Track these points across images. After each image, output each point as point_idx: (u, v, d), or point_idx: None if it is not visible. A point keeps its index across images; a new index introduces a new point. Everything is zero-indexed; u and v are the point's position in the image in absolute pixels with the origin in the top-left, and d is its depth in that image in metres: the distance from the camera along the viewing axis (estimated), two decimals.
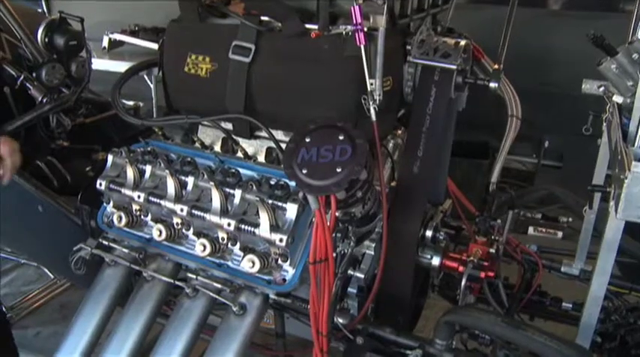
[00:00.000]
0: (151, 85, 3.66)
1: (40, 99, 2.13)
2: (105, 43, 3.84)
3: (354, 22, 1.49)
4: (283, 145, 1.66)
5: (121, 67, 3.55)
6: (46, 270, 3.10)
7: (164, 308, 1.82)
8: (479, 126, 3.09)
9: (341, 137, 1.41)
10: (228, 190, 1.64)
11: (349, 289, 1.74)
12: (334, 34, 1.59)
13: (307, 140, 1.43)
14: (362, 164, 1.38)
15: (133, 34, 3.81)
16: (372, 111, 1.54)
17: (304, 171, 1.40)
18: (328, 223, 1.43)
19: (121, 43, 3.86)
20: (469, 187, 2.29)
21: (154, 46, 3.43)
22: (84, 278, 1.86)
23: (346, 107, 1.60)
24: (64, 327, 2.84)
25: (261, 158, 1.81)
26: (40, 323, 2.91)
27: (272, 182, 1.66)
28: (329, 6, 1.59)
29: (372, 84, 1.53)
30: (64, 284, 3.22)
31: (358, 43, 1.50)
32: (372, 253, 1.72)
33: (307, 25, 1.63)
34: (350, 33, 1.54)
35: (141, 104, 2.87)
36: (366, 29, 1.51)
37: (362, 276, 1.70)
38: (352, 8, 1.49)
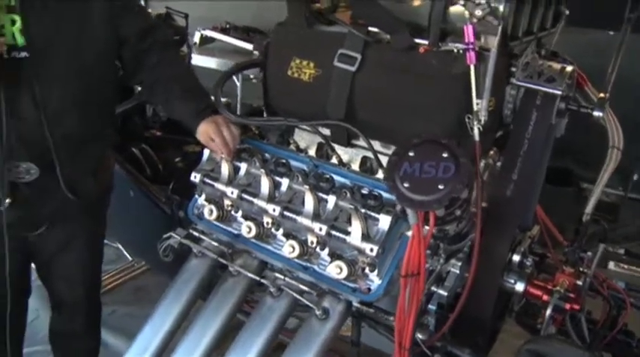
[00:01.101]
0: (237, 83, 3.73)
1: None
2: (196, 38, 3.94)
3: (466, 40, 1.49)
4: (380, 157, 1.72)
5: (210, 63, 3.63)
6: (126, 252, 3.19)
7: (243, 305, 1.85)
8: (563, 152, 3.00)
9: (445, 154, 1.42)
10: (321, 194, 1.65)
11: (429, 306, 1.73)
12: (444, 50, 1.58)
13: (411, 154, 1.45)
14: (464, 183, 1.38)
15: (223, 31, 3.88)
16: (476, 131, 1.53)
17: (406, 185, 1.43)
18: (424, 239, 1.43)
19: (212, 39, 3.95)
20: (551, 214, 2.23)
21: (245, 44, 3.49)
22: (164, 265, 1.91)
23: (449, 124, 1.59)
24: (138, 309, 2.93)
25: (355, 166, 1.82)
26: (115, 302, 2.99)
27: (364, 191, 1.67)
28: (441, 22, 1.59)
29: (478, 104, 1.53)
30: (140, 268, 3.31)
31: (468, 62, 1.50)
32: (457, 271, 1.70)
33: (416, 40, 1.63)
34: (461, 51, 1.53)
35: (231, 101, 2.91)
36: (477, 49, 1.51)
37: (445, 294, 1.68)
38: (465, 27, 1.49)
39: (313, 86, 1.75)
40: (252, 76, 4.81)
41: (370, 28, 1.70)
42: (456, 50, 1.55)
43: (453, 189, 1.37)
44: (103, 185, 1.93)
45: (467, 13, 1.51)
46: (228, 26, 3.92)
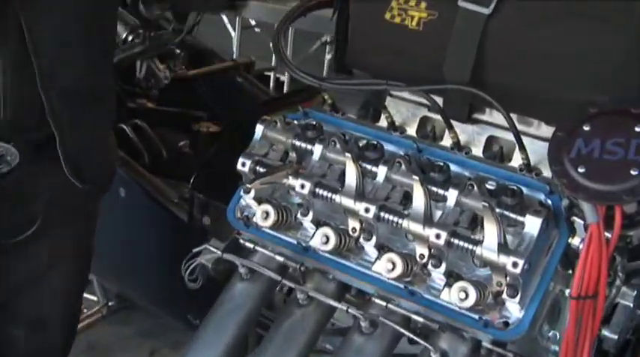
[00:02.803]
0: (232, 33, 3.68)
1: (123, 36, 2.10)
2: None
3: None
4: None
5: None
6: (98, 286, 3.01)
7: None
8: None
9: (638, 128, 1.36)
10: (434, 188, 1.57)
11: None
12: None
13: (586, 128, 1.40)
14: None
15: None
16: None
17: (581, 169, 1.37)
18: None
19: None
20: None
21: None
22: (176, 301, 1.83)
23: (635, 90, 1.50)
24: None
25: (477, 152, 1.73)
26: None
27: (491, 185, 1.59)
28: None
29: None
30: (94, 314, 3.13)
31: None
32: (630, 304, 1.62)
33: None
34: None
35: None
36: None
37: (614, 337, 1.60)
38: None
39: (424, 36, 1.66)
40: (253, 23, 4.78)
41: None
42: None
43: None
44: (111, 168, 1.89)
45: None
46: None
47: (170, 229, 2.15)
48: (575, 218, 1.48)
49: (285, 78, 4.63)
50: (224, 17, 4.79)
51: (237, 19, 4.55)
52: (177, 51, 2.44)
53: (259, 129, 1.77)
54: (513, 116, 1.63)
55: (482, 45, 1.61)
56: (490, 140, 1.74)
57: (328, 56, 4.90)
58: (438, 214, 1.57)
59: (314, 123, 1.76)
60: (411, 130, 1.81)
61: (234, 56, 4.00)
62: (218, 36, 3.85)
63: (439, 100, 1.72)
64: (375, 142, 1.69)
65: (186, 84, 2.59)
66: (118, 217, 2.23)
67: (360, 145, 1.70)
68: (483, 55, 1.62)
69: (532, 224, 1.49)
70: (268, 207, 1.72)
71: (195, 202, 2.04)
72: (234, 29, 4.45)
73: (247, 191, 1.75)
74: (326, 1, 1.90)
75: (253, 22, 4.95)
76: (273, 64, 4.47)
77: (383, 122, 1.82)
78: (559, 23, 1.56)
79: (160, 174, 2.28)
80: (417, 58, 1.70)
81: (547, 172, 1.58)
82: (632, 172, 1.32)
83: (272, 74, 4.64)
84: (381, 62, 1.77)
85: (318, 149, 1.70)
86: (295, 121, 1.78)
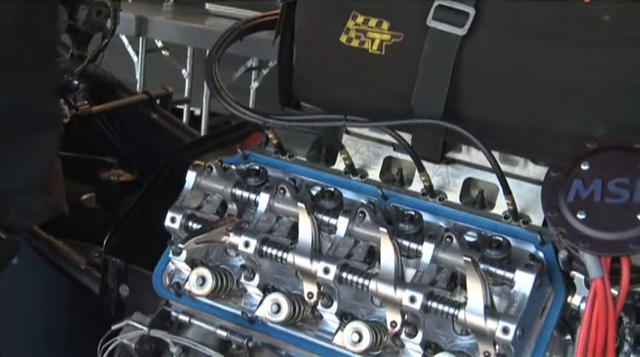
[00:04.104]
0: (135, 59, 3.73)
1: None
2: None
3: None
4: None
5: None
6: None
7: None
8: None
9: None
10: (406, 242, 1.60)
11: None
12: None
13: (584, 168, 1.44)
14: None
15: None
16: None
17: (580, 216, 1.41)
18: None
19: None
20: None
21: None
22: None
23: (631, 120, 1.55)
24: None
25: (453, 197, 1.77)
26: None
27: (471, 237, 1.64)
28: None
29: None
30: None
31: None
32: None
33: None
34: None
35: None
36: None
37: None
38: None
39: (387, 61, 1.69)
40: (160, 44, 4.88)
41: None
42: None
43: None
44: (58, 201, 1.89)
45: None
46: None
47: (77, 302, 2.13)
48: (574, 273, 1.51)
49: (202, 111, 4.66)
50: (124, 39, 4.81)
51: (141, 40, 4.58)
52: (78, 83, 2.44)
53: (191, 176, 1.77)
54: (495, 154, 1.66)
55: (457, 72, 1.65)
56: (468, 183, 1.76)
57: (255, 84, 4.96)
58: (410, 272, 1.59)
59: (257, 168, 1.77)
60: (374, 174, 1.83)
61: (138, 86, 4.01)
62: (115, 61, 3.86)
63: (407, 137, 1.74)
64: (332, 190, 1.71)
65: (90, 123, 2.58)
66: (8, 290, 2.21)
67: (314, 193, 1.72)
68: (458, 83, 1.66)
69: (523, 281, 1.51)
70: (204, 271, 1.72)
71: (109, 269, 2.03)
72: (137, 53, 4.47)
73: (178, 253, 1.75)
74: (266, 22, 1.95)
75: (160, 44, 4.98)
76: (186, 94, 4.49)
77: (340, 165, 1.83)
78: (540, 44, 1.61)
79: (62, 235, 2.26)
80: (380, 88, 1.73)
81: (537, 220, 1.63)
82: None
83: (185, 107, 4.66)
84: (337, 93, 1.80)
85: (263, 199, 1.71)
86: (234, 166, 1.80)
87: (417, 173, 1.75)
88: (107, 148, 2.66)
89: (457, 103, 1.67)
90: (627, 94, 1.57)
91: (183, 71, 4.84)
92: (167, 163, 2.20)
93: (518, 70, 1.63)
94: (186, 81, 4.70)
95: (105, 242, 2.01)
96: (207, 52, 1.90)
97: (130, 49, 4.77)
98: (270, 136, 1.84)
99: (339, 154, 1.83)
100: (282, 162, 1.84)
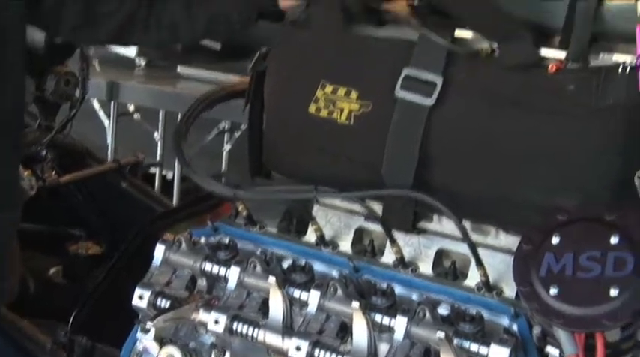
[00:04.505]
0: (107, 123, 3.73)
1: None
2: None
3: (638, 50, 1.47)
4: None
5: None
6: None
7: None
8: None
9: (615, 238, 1.41)
10: (378, 317, 1.58)
11: None
12: (590, 68, 1.56)
13: (555, 241, 1.44)
14: None
15: None
16: None
17: (553, 290, 1.40)
18: None
19: None
20: None
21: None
22: None
23: (599, 189, 1.55)
24: None
25: (426, 268, 1.75)
26: None
27: (444, 310, 1.62)
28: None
29: None
30: None
31: None
32: None
33: (541, 51, 1.61)
34: (627, 68, 1.51)
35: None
36: None
37: None
38: (639, 28, 1.47)
39: (356, 131, 1.69)
40: (131, 109, 4.90)
41: (459, 32, 1.67)
42: (622, 68, 1.52)
43: (636, 295, 1.34)
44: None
45: None
46: None
47: None
48: (548, 349, 1.50)
49: (175, 176, 4.63)
50: (95, 103, 4.79)
51: (112, 104, 4.57)
52: (46, 153, 2.41)
53: (159, 251, 1.75)
54: (467, 224, 1.67)
55: (426, 141, 1.64)
56: (440, 254, 1.75)
57: (227, 146, 4.94)
58: (384, 348, 1.58)
59: (227, 241, 1.76)
60: (345, 245, 1.81)
61: (109, 150, 4.00)
62: (86, 125, 3.86)
63: (377, 208, 1.74)
64: (303, 262, 1.70)
65: (58, 194, 2.55)
66: None
67: (285, 266, 1.70)
68: (428, 153, 1.65)
69: (498, 356, 1.50)
70: (173, 350, 1.70)
71: (75, 348, 1.99)
72: (109, 117, 4.47)
73: (146, 330, 1.72)
74: (236, 91, 1.95)
75: (132, 108, 4.97)
76: (158, 158, 4.46)
77: (311, 235, 1.82)
78: (511, 115, 1.61)
79: (26, 312, 2.21)
80: (350, 159, 1.72)
81: (510, 291, 1.61)
82: (612, 292, 1.35)
83: (157, 171, 4.62)
84: (307, 164, 1.79)
85: (233, 273, 1.69)
86: (203, 240, 1.78)
87: (388, 244, 1.74)
88: (75, 219, 2.62)
89: (427, 173, 1.67)
90: (592, 162, 1.57)
91: (155, 134, 4.82)
92: (136, 236, 2.18)
93: (485, 139, 1.63)
94: (159, 144, 4.65)
95: (71, 320, 1.97)
96: (179, 116, 1.89)
97: (101, 114, 4.74)
98: (239, 208, 1.82)
99: (310, 225, 1.82)
100: (253, 234, 1.82)
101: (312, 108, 1.74)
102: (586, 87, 1.56)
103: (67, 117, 2.39)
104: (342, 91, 1.72)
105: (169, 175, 4.78)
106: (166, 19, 1.99)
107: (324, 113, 1.73)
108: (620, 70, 1.54)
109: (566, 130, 1.58)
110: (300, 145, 1.80)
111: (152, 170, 4.49)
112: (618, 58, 1.58)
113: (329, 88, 1.73)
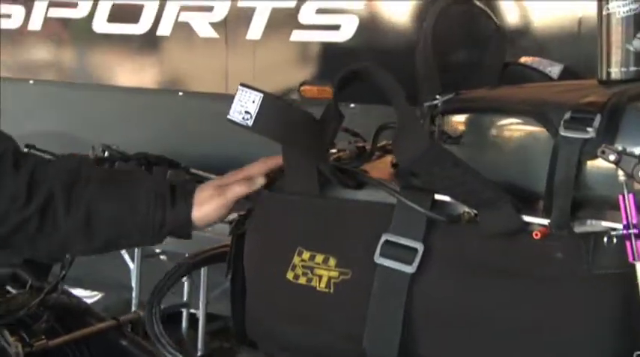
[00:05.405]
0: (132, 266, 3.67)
1: None
2: None
3: (625, 219, 1.44)
4: None
5: None
6: None
7: None
8: None
9: None
10: None
11: None
12: (577, 234, 1.52)
13: None
14: None
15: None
16: None
17: None
18: None
19: None
20: None
21: None
22: None
23: None
24: None
25: None
26: None
27: None
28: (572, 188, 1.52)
29: None
30: None
31: (631, 257, 1.44)
32: None
33: (525, 218, 1.57)
34: (614, 237, 1.49)
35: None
36: None
37: None
38: (621, 197, 1.44)
39: (336, 300, 1.67)
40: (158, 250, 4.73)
41: (438, 197, 1.64)
42: (608, 238, 1.50)
43: None
44: None
45: (621, 174, 1.48)
46: (107, 154, 3.40)
47: None
48: None
49: (200, 317, 4.59)
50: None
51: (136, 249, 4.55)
52: (37, 315, 2.39)
53: None
54: None
55: (409, 311, 1.62)
56: None
57: None
58: None
59: None
60: None
61: (134, 293, 3.99)
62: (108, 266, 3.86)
63: None
64: None
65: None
66: None
67: None
68: (412, 323, 1.62)
69: None
70: None
71: None
72: (132, 260, 4.48)
73: None
74: (216, 255, 2.02)
75: (158, 250, 4.97)
76: (185, 298, 4.44)
77: None
78: (491, 284, 1.59)
79: None
80: (330, 329, 1.69)
81: None
82: None
83: (184, 311, 4.58)
84: (286, 333, 1.77)
85: None
86: None
87: None
88: None
89: (412, 344, 1.64)
90: (582, 332, 1.56)
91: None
92: None
93: (469, 309, 1.62)
94: (185, 285, 4.61)
95: None
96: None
97: (126, 257, 4.74)
98: None
99: None
100: None
101: (290, 275, 1.73)
102: (576, 254, 1.54)
103: (57, 279, 2.36)
104: (319, 258, 1.72)
105: (198, 314, 4.75)
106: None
107: (302, 280, 1.72)
108: (606, 239, 1.52)
109: (557, 300, 1.56)
110: (278, 313, 1.79)
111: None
112: (607, 224, 1.54)
113: (306, 255, 1.73)
